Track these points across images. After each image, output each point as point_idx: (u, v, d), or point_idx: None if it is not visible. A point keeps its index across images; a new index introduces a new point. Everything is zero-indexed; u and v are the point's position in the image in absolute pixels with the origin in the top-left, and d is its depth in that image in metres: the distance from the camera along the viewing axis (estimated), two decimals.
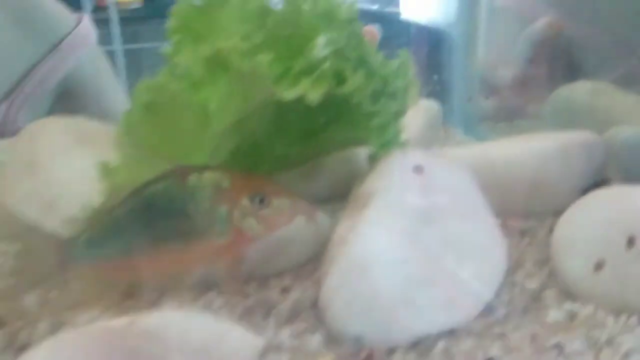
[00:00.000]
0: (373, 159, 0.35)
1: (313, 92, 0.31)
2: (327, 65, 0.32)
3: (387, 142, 0.34)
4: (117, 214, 0.29)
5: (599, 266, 0.27)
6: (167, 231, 0.28)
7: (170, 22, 0.37)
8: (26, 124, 0.53)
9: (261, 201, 0.28)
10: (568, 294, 0.30)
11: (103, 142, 0.36)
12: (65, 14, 0.58)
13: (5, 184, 0.35)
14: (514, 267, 0.32)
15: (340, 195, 0.40)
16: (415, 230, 0.28)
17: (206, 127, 0.33)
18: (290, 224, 0.29)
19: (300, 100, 0.32)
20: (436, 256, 0.28)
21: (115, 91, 0.63)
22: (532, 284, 0.31)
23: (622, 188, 0.31)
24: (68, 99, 0.57)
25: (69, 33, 0.56)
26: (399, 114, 0.34)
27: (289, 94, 0.31)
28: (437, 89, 0.53)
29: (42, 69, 0.54)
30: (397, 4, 1.80)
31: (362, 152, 0.39)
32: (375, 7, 1.92)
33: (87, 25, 0.58)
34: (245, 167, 0.38)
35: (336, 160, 0.39)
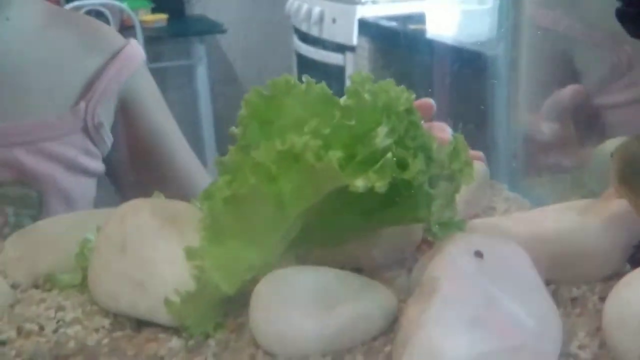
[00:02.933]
0: (432, 235, 0.38)
1: (380, 182, 0.34)
2: (389, 155, 0.35)
3: (445, 221, 0.37)
4: None
5: None
6: None
7: (242, 110, 0.41)
8: (103, 119, 0.63)
9: None
10: None
11: (187, 222, 0.40)
12: (117, 34, 0.69)
13: (98, 265, 0.39)
14: (567, 337, 0.34)
15: (396, 262, 0.43)
16: (480, 314, 0.31)
17: (281, 214, 0.37)
18: None
19: None
20: (499, 338, 0.31)
21: (165, 109, 0.71)
22: (585, 355, 0.33)
23: None
24: (127, 110, 0.66)
25: (124, 46, 0.66)
26: (455, 193, 0.37)
27: (359, 185, 0.34)
28: (480, 140, 0.56)
29: (109, 72, 0.64)
30: (421, 21, 1.80)
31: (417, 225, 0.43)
32: (395, 24, 1.93)
33: (137, 44, 0.68)
34: (312, 242, 0.41)
35: (393, 229, 0.42)
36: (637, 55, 0.48)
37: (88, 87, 0.63)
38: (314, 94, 0.40)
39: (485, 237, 0.34)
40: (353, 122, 0.37)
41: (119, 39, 0.68)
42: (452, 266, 0.33)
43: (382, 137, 0.36)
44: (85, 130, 0.62)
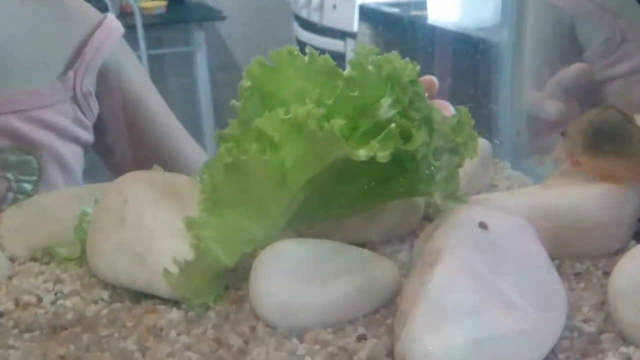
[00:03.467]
0: (434, 209, 0.38)
1: (382, 152, 0.34)
2: (393, 125, 0.35)
3: (448, 194, 0.36)
4: None
5: None
6: None
7: (244, 81, 0.40)
8: (91, 89, 0.64)
9: None
10: (624, 338, 0.32)
11: (185, 194, 0.39)
12: (94, 8, 0.70)
13: (97, 237, 0.38)
14: (572, 311, 0.34)
15: (397, 238, 0.43)
16: (483, 285, 0.31)
17: (283, 184, 0.36)
18: None
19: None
20: (503, 309, 0.30)
21: (147, 80, 0.72)
22: (590, 328, 0.33)
23: None
24: (111, 80, 0.67)
25: (103, 19, 0.67)
26: (459, 167, 0.37)
27: (361, 154, 0.34)
28: (483, 118, 0.55)
29: (94, 43, 0.65)
30: (423, 7, 1.79)
31: (419, 198, 0.42)
32: (397, 10, 1.92)
33: (114, 17, 0.70)
34: (311, 216, 0.41)
35: (394, 204, 0.42)
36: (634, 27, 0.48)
37: (75, 57, 0.64)
38: (317, 66, 0.39)
39: (489, 209, 0.34)
40: (356, 93, 0.36)
41: (97, 12, 0.70)
42: (455, 237, 0.32)
43: (385, 108, 0.35)
44: (75, 99, 0.64)
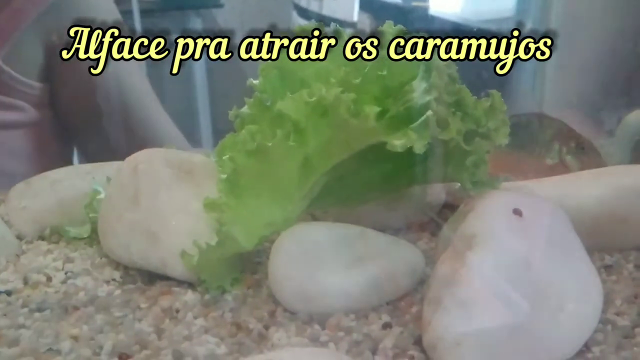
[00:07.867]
0: (456, 196, 0.36)
1: (420, 142, 0.32)
2: (430, 113, 0.33)
3: (478, 180, 0.35)
4: None
5: None
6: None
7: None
8: (12, 67, 0.54)
9: (582, 148, 0.44)
10: None
11: (199, 173, 0.38)
12: None
13: (111, 216, 0.37)
14: (604, 304, 0.33)
15: (416, 224, 0.42)
16: (518, 273, 0.29)
17: (307, 169, 0.35)
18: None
19: None
20: (538, 298, 0.29)
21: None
22: (624, 322, 0.32)
23: None
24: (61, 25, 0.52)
25: None
26: (488, 152, 0.36)
27: (398, 144, 0.32)
28: None
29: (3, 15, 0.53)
30: None
31: (439, 185, 0.41)
32: (398, 0, 1.89)
33: None
34: (330, 200, 0.39)
35: (414, 191, 0.41)
36: None
37: None
38: (341, 44, 0.38)
39: (523, 196, 0.33)
40: (385, 73, 0.35)
41: None
42: (489, 224, 0.31)
43: (420, 92, 0.34)
44: None
